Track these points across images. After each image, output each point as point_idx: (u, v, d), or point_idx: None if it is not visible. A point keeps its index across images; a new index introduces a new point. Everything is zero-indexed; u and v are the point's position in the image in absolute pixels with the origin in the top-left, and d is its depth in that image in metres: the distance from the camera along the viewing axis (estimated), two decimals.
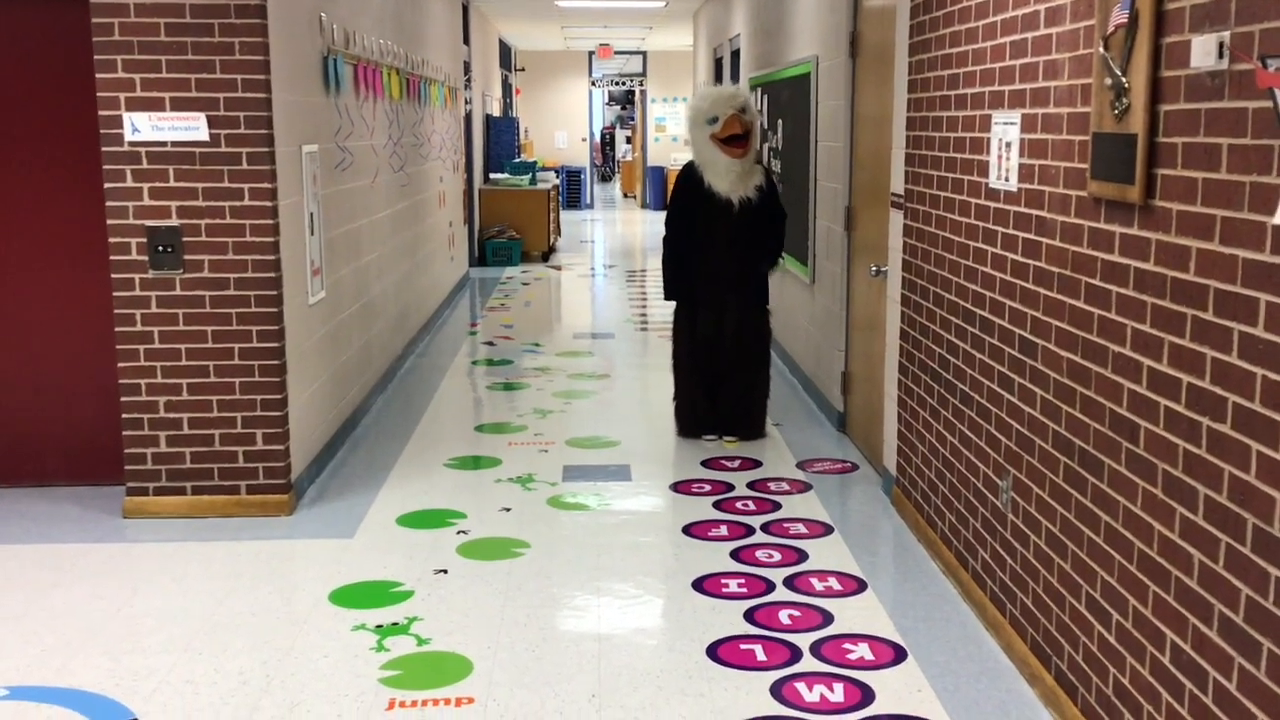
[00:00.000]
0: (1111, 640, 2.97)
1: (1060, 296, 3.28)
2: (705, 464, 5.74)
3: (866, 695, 3.44)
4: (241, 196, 4.82)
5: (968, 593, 4.09)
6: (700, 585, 4.25)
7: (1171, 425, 2.64)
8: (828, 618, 3.98)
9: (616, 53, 22.41)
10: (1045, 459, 3.40)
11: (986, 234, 3.90)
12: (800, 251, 7.30)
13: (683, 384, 6.21)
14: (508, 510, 5.09)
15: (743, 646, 3.75)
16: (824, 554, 4.56)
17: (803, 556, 4.52)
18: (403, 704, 3.39)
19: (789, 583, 4.27)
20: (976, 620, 3.96)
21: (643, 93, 24.01)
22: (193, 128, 4.76)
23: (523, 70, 22.84)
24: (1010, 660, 3.66)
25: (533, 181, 15.11)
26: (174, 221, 4.81)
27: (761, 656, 3.68)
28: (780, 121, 8.12)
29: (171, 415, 4.93)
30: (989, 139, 3.87)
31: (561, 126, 24.04)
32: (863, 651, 3.73)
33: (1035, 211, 3.46)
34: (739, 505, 5.13)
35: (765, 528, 4.84)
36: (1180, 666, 2.61)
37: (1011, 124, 3.65)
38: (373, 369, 7.13)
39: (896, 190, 5.04)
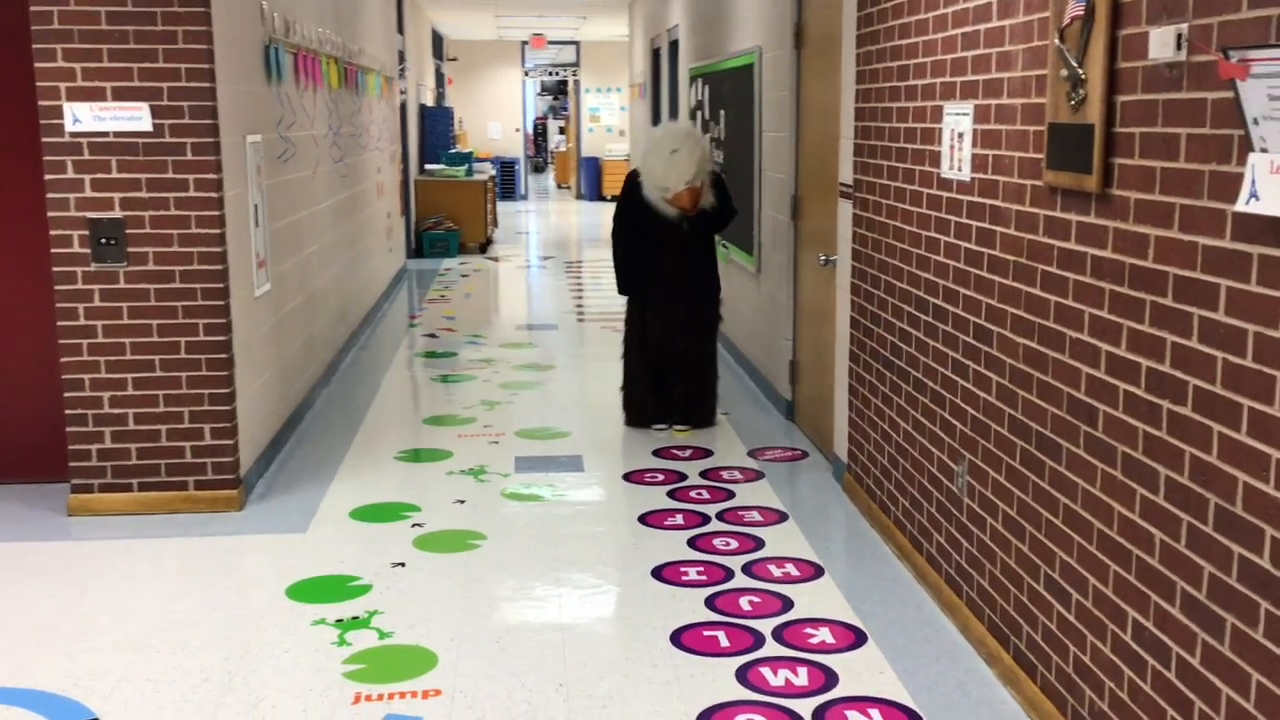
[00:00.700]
0: (1071, 619, 3.04)
1: (1015, 284, 3.34)
2: (657, 454, 5.77)
3: (830, 678, 3.49)
4: (186, 188, 4.75)
5: (923, 576, 4.16)
6: (660, 574, 4.27)
7: (1131, 408, 2.71)
8: (787, 603, 4.02)
9: (550, 43, 22.31)
10: (1001, 443, 3.47)
11: (939, 223, 3.95)
12: (745, 241, 7.34)
13: (632, 374, 6.22)
14: (462, 502, 5.07)
15: (706, 633, 3.78)
16: (780, 541, 4.60)
17: (759, 544, 4.57)
18: (368, 697, 3.38)
19: (747, 569, 4.31)
20: (933, 603, 4.03)
21: (576, 83, 23.95)
22: (135, 118, 4.67)
23: (455, 60, 22.67)
24: (968, 641, 3.73)
25: (469, 172, 15.02)
26: (117, 213, 4.72)
27: (725, 643, 3.72)
28: (722, 112, 8.16)
29: (116, 411, 4.85)
30: (940, 129, 3.93)
31: (495, 117, 23.90)
32: (824, 636, 3.78)
33: (989, 201, 3.52)
34: (693, 494, 5.16)
35: (720, 516, 4.88)
36: (1143, 643, 2.68)
37: (964, 115, 3.71)
38: (316, 362, 7.06)
39: (845, 180, 5.09)
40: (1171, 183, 2.51)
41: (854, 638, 3.77)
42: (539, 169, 32.63)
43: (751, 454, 5.78)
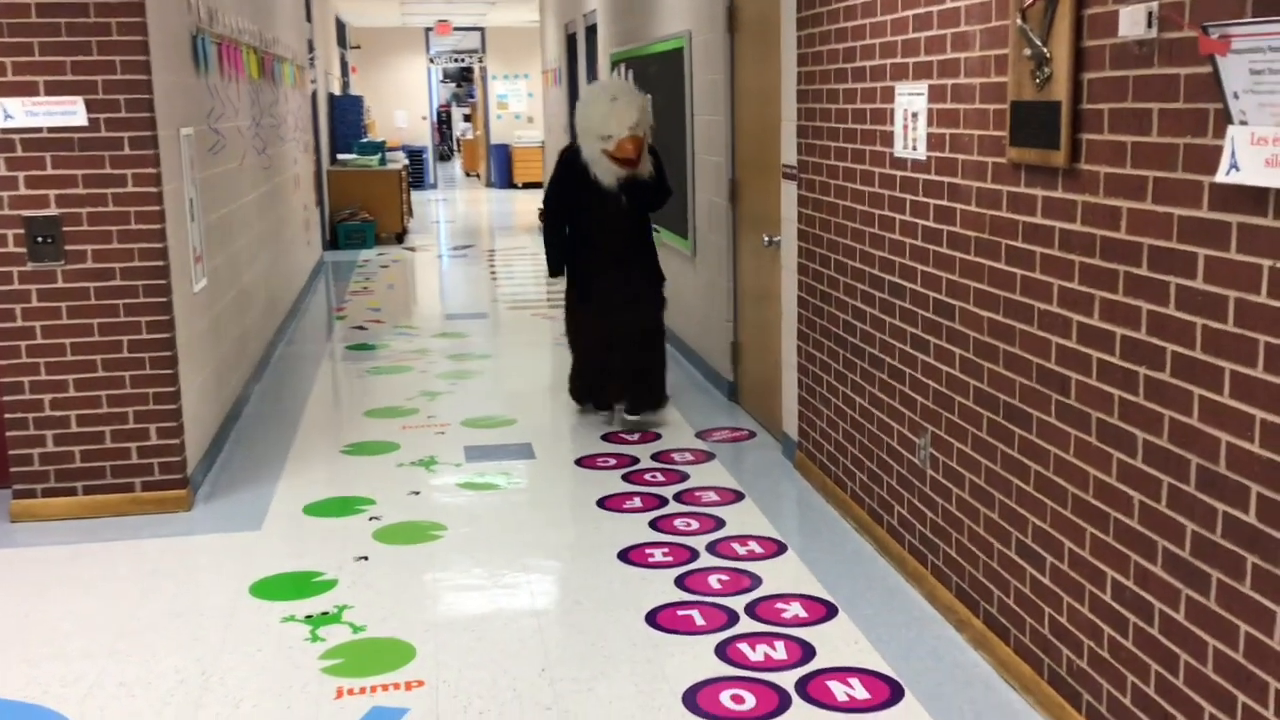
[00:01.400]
0: (1046, 582, 3.14)
1: (978, 259, 3.42)
2: (606, 438, 5.79)
3: (808, 651, 3.55)
4: (124, 183, 4.64)
5: (885, 548, 4.24)
6: (626, 556, 4.30)
7: (1105, 376, 2.80)
8: (756, 580, 4.08)
9: (455, 29, 22.12)
10: (966, 415, 3.56)
11: (893, 202, 4.03)
12: (679, 225, 7.38)
13: (578, 357, 6.15)
14: (416, 494, 5.04)
15: (680, 613, 3.82)
16: (740, 519, 4.66)
17: (719, 523, 4.62)
18: (351, 691, 3.35)
19: (712, 549, 4.36)
20: (897, 573, 4.12)
21: (483, 69, 23.77)
22: (70, 112, 4.55)
23: (358, 48, 22.36)
24: (935, 608, 3.82)
25: (382, 162, 14.85)
26: (53, 211, 4.59)
27: (700, 621, 3.76)
28: (649, 97, 8.15)
29: (58, 413, 4.72)
30: (892, 110, 4.00)
31: (400, 105, 23.63)
32: (795, 610, 3.84)
33: (947, 179, 3.60)
34: (647, 477, 5.19)
35: (678, 497, 4.92)
36: (1123, 602, 2.78)
37: (918, 95, 3.79)
38: (249, 358, 6.94)
39: (789, 162, 5.15)
40: (1144, 156, 2.60)
41: (825, 610, 3.84)
42: (445, 157, 32.33)
43: (699, 435, 5.83)
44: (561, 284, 6.21)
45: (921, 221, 3.81)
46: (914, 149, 3.84)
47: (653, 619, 3.78)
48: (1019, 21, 3.06)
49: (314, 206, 12.21)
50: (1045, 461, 3.11)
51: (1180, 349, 2.51)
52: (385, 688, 3.38)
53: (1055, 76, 2.92)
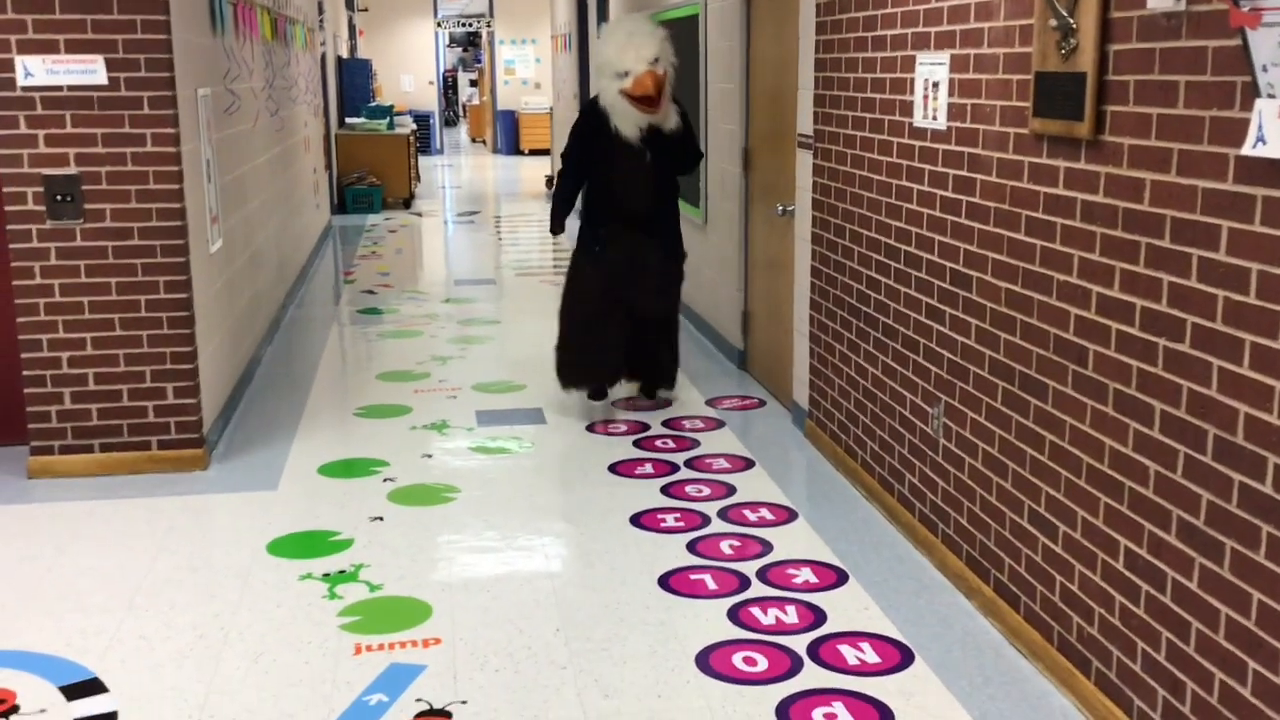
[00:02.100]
0: (1058, 550, 3.17)
1: (997, 230, 3.44)
2: (616, 404, 5.81)
3: (819, 616, 3.60)
4: (144, 142, 4.65)
5: (894, 516, 4.28)
6: (638, 521, 4.34)
7: (1124, 347, 2.83)
8: (767, 546, 4.12)
9: None
10: (981, 385, 3.58)
11: (911, 172, 4.04)
12: (691, 193, 7.39)
13: (576, 332, 5.56)
14: (429, 457, 5.08)
15: (692, 577, 3.87)
16: (751, 486, 4.70)
17: (730, 490, 4.65)
18: (369, 648, 3.40)
19: (723, 515, 4.40)
20: (906, 541, 4.15)
21: (490, 34, 23.67)
22: (90, 71, 4.55)
23: (365, 10, 22.25)
24: (944, 576, 3.86)
25: (391, 126, 14.82)
26: (72, 169, 4.61)
27: (712, 585, 3.80)
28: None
29: (76, 371, 4.75)
30: (912, 79, 4.00)
31: (407, 69, 23.55)
32: (806, 575, 3.88)
33: (967, 149, 3.61)
34: (658, 443, 5.23)
35: (689, 464, 4.96)
36: (1136, 570, 2.81)
37: (939, 64, 3.79)
38: (261, 320, 6.97)
39: (805, 131, 5.16)
40: (1169, 128, 2.62)
41: (836, 577, 3.88)
42: (451, 123, 32.24)
43: (710, 403, 5.86)
44: (566, 246, 6.09)
45: (940, 192, 3.82)
46: (934, 119, 3.84)
47: (665, 583, 3.82)
48: None
49: (323, 170, 12.21)
50: (1060, 431, 3.14)
51: (1201, 320, 2.54)
52: (403, 645, 3.42)
53: (1081, 48, 2.92)
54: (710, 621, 3.56)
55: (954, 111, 3.70)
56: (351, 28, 19.60)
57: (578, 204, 5.66)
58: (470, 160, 22.71)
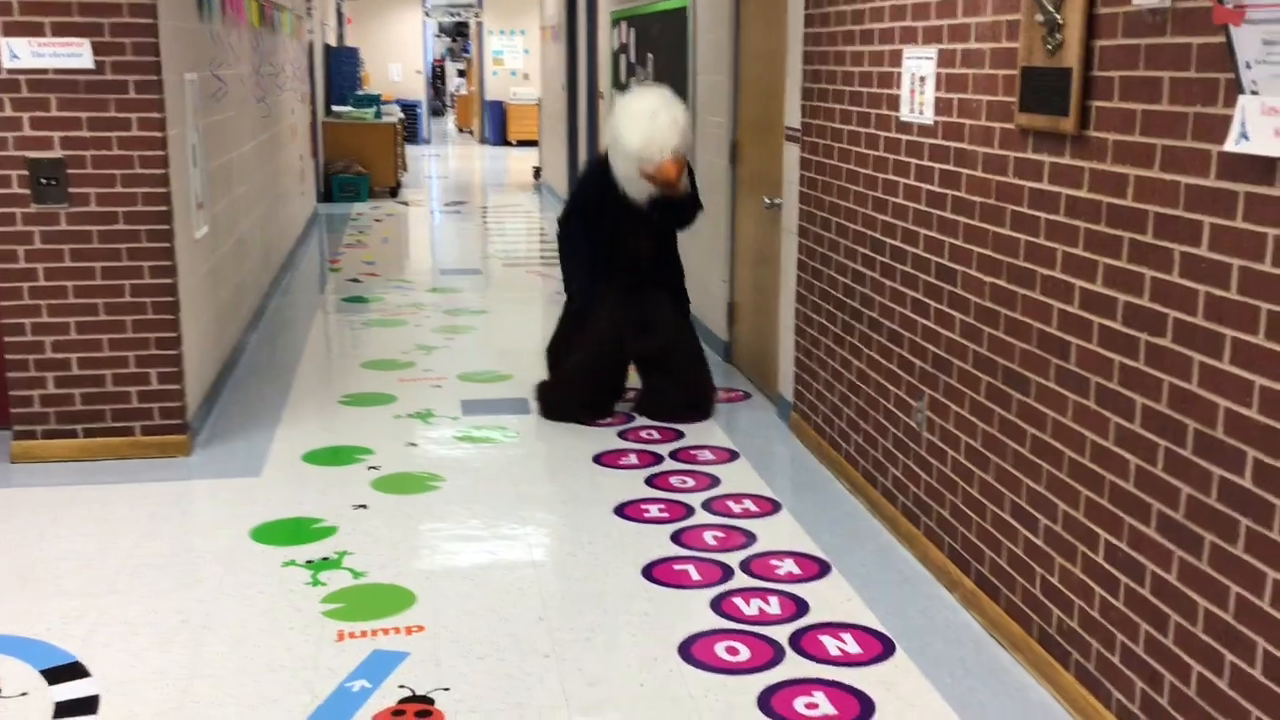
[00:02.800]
0: (1038, 543, 3.19)
1: (982, 224, 3.46)
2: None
3: (801, 606, 3.61)
4: (129, 127, 4.63)
5: (878, 509, 4.30)
6: (622, 511, 4.35)
7: (1106, 341, 2.85)
8: (750, 537, 4.13)
9: None
10: (964, 379, 3.60)
11: (897, 165, 4.05)
12: None
13: (578, 370, 5.44)
14: (414, 445, 5.08)
15: (676, 567, 3.88)
16: (735, 478, 4.71)
17: (715, 481, 4.67)
18: (352, 634, 3.40)
19: (707, 506, 4.41)
20: (889, 534, 4.17)
21: (479, 24, 23.61)
22: (76, 54, 4.53)
23: None
24: (926, 568, 3.88)
25: (378, 115, 14.78)
26: (57, 153, 4.59)
27: (696, 576, 3.82)
28: (650, 56, 8.16)
29: (59, 356, 4.74)
30: (899, 74, 4.01)
31: (395, 58, 23.48)
32: (789, 567, 3.90)
33: (953, 144, 3.63)
34: (644, 435, 5.24)
35: (673, 455, 4.97)
36: (1115, 563, 2.84)
37: (926, 59, 3.80)
38: (245, 307, 6.95)
39: (792, 124, 5.17)
40: (1153, 124, 2.63)
41: (818, 568, 3.90)
42: (438, 112, 32.15)
43: None
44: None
45: (925, 186, 3.84)
46: (920, 113, 3.86)
47: (649, 572, 3.83)
48: None
49: (309, 157, 12.17)
50: (1042, 425, 3.15)
51: (1182, 315, 2.56)
52: (385, 632, 3.43)
53: (1067, 43, 2.94)
54: (693, 611, 3.57)
55: (940, 106, 3.71)
56: (339, 15, 19.54)
57: None
58: (457, 150, 22.66)
